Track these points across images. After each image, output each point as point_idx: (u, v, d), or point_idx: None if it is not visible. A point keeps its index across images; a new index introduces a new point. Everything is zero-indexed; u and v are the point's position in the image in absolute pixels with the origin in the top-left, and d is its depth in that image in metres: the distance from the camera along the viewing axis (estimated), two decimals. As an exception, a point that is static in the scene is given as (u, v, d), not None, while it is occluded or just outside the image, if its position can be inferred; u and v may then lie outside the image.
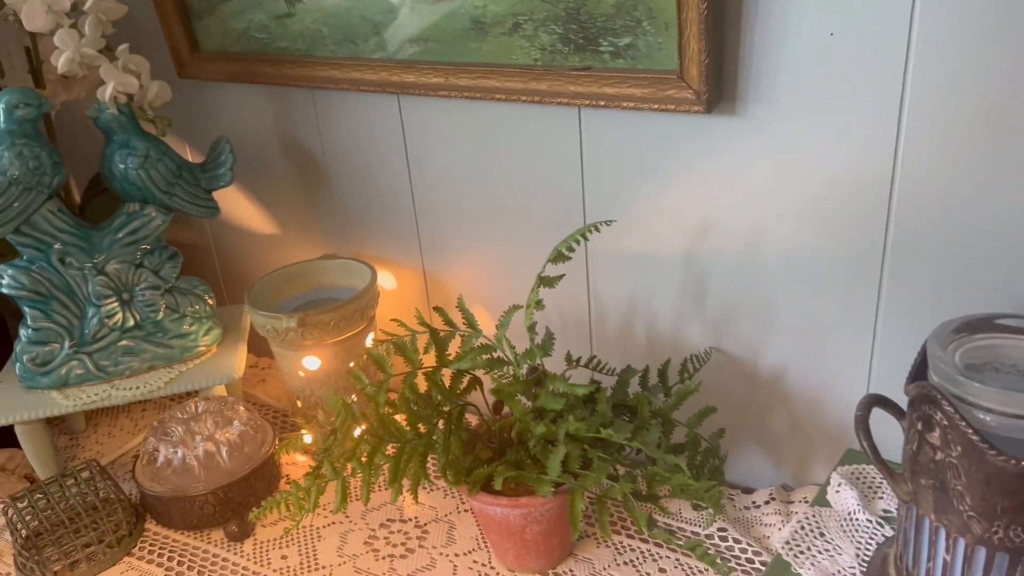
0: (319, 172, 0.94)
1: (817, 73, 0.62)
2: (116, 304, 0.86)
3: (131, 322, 0.87)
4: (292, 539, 0.80)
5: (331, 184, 0.94)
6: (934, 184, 0.62)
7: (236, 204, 1.04)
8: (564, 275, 0.68)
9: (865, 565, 0.63)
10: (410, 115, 0.84)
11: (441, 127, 0.83)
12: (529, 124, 0.77)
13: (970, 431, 0.48)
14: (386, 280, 0.96)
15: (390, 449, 0.64)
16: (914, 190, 0.63)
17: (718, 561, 0.61)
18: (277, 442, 0.84)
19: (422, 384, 0.70)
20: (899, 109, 0.61)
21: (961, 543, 0.52)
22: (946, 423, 0.49)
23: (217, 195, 0.89)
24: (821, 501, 0.69)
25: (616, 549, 0.75)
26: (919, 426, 0.53)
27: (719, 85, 0.66)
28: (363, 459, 0.61)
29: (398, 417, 0.65)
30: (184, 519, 0.80)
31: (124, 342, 0.87)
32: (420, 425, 0.64)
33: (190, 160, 0.93)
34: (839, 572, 0.62)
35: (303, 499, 0.65)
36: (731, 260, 0.73)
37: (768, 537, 0.73)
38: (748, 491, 0.80)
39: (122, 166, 0.84)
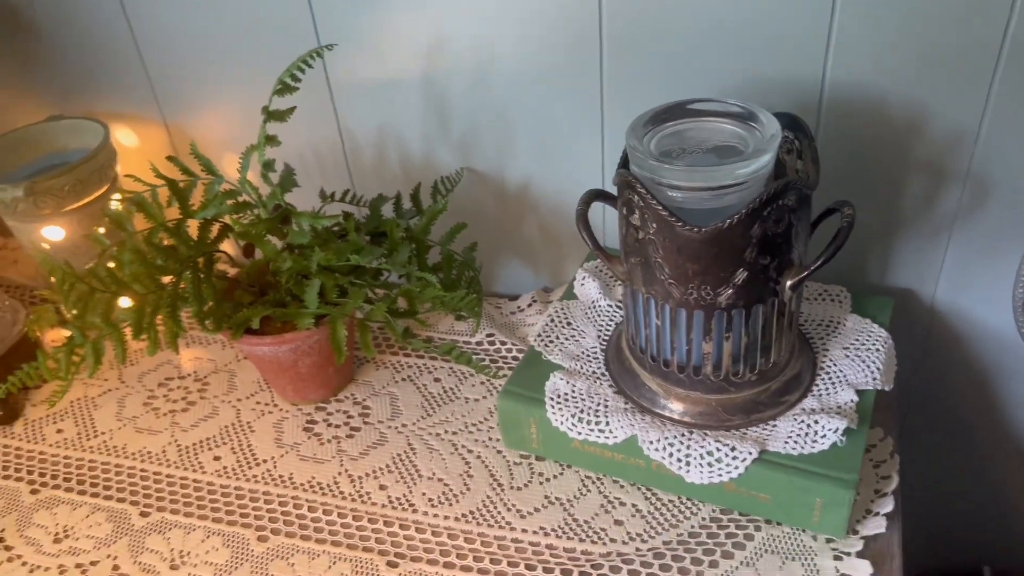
0: (26, 26, 0.85)
1: None
2: None
3: None
4: (67, 412, 0.78)
5: (41, 36, 0.85)
6: (637, -17, 0.64)
7: (-63, 70, 0.92)
8: (295, 107, 0.67)
9: (605, 343, 0.70)
10: (113, -51, 0.76)
11: (150, -39, 0.76)
12: (244, -50, 0.72)
13: (660, 208, 0.54)
14: (126, 137, 0.90)
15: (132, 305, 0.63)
16: (620, -9, 0.65)
17: (473, 359, 0.66)
18: (30, 316, 0.80)
19: (169, 240, 0.68)
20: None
21: (666, 308, 0.59)
22: (642, 204, 0.55)
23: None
24: (569, 295, 0.76)
25: (393, 368, 0.79)
26: (624, 211, 0.58)
27: None
28: (100, 319, 0.60)
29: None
30: (-61, 412, 0.76)
31: None
32: (164, 278, 0.63)
33: None
34: (583, 353, 0.69)
35: (56, 368, 0.63)
36: (465, 79, 0.74)
37: (529, 336, 0.80)
38: (514, 298, 0.86)
39: None
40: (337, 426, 0.74)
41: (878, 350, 0.65)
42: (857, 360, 0.65)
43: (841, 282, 0.72)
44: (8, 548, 0.66)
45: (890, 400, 0.68)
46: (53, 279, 0.60)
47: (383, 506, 0.66)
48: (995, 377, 0.77)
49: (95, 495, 0.70)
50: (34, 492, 0.71)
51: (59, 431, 0.76)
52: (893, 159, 0.67)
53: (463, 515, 0.65)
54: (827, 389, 0.63)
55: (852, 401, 0.62)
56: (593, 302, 0.74)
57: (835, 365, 0.65)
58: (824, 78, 0.65)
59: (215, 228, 0.70)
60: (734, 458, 0.59)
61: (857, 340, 0.67)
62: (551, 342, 0.71)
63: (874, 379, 0.63)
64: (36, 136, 0.86)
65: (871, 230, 0.72)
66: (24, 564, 0.65)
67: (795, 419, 0.61)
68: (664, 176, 0.54)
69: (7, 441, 0.76)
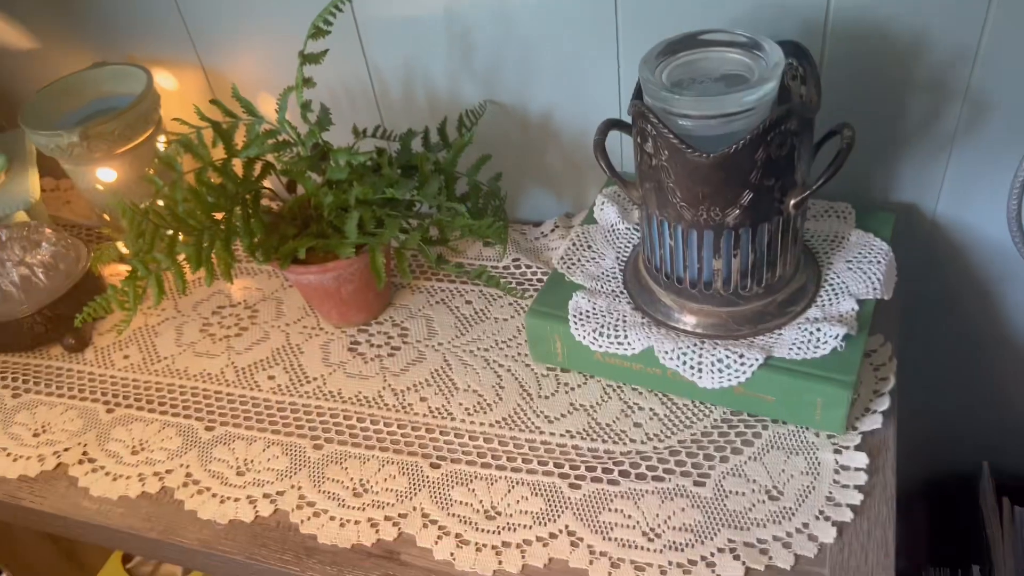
0: (65, -25, 0.89)
1: None
2: None
3: (-99, 164, 0.84)
4: (131, 340, 0.85)
5: (82, -13, 0.89)
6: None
7: (-17, 22, 0.97)
8: (328, 50, 0.71)
9: (623, 264, 0.75)
10: (145, -100, 0.80)
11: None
12: None
13: (671, 136, 0.58)
14: (166, 81, 0.95)
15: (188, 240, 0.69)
16: (632, -75, 0.68)
17: (501, 281, 0.72)
18: (93, 254, 0.86)
19: (217, 179, 0.73)
20: None
21: (679, 229, 0.64)
22: (655, 133, 0.59)
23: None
24: (589, 220, 0.80)
25: (428, 293, 0.85)
26: (638, 139, 0.62)
27: None
28: (163, 253, 0.66)
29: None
30: (18, 342, 0.84)
31: (-100, 186, 0.84)
32: (216, 214, 0.69)
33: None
34: (603, 273, 0.75)
35: (124, 300, 0.70)
36: (486, 11, 0.77)
37: (552, 259, 0.85)
38: (537, 224, 0.91)
39: None
40: (379, 346, 0.80)
41: (879, 262, 0.70)
42: (859, 272, 0.70)
43: (847, 199, 0.76)
44: (92, 460, 0.74)
45: (893, 308, 0.72)
46: (120, 219, 0.66)
47: (424, 415, 0.73)
48: (994, 284, 0.81)
49: (163, 412, 0.78)
50: (109, 411, 0.79)
51: (126, 356, 0.84)
52: (895, 79, 0.70)
53: (496, 422, 0.71)
54: (830, 299, 0.68)
55: (853, 310, 0.67)
56: (612, 226, 0.79)
57: (838, 277, 0.70)
58: (828, 3, 0.68)
59: (258, 166, 0.76)
60: (742, 364, 0.64)
61: (860, 253, 0.71)
62: (573, 264, 0.76)
63: (874, 289, 0.68)
64: (82, 83, 0.92)
65: (875, 148, 0.75)
66: (107, 474, 0.73)
67: (799, 327, 0.66)
68: (674, 106, 0.58)
69: (80, 367, 0.84)
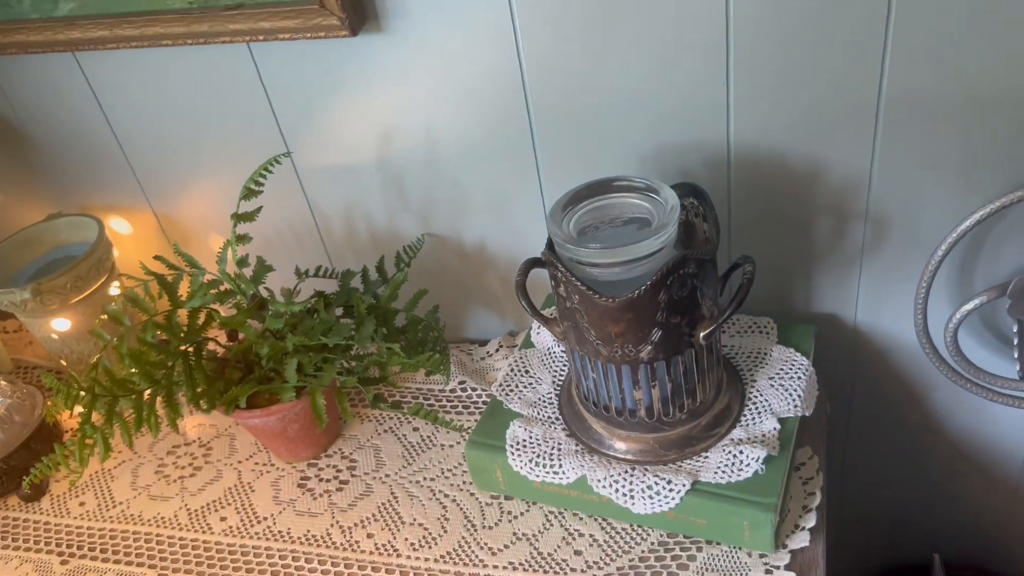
0: (20, 137, 0.93)
1: (438, -13, 0.70)
2: None
3: None
4: (87, 486, 0.87)
5: (37, 146, 0.94)
6: (554, 65, 0.72)
7: (-56, 179, 1.01)
8: (260, 207, 0.75)
9: (559, 389, 0.78)
10: (92, 70, 0.85)
11: (125, 76, 0.84)
12: (208, 63, 0.80)
13: (580, 284, 0.61)
14: (120, 226, 0.98)
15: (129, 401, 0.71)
16: (539, 73, 0.72)
17: (439, 416, 0.74)
18: (48, 404, 0.89)
19: (162, 335, 0.76)
20: (509, 9, 0.69)
21: (598, 363, 0.66)
22: (564, 279, 0.62)
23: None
24: (527, 343, 0.83)
25: (376, 421, 0.87)
26: (552, 283, 0.66)
27: (359, 9, 0.72)
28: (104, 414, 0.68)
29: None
30: (-26, 496, 0.85)
31: None
32: (156, 371, 0.72)
33: None
34: (540, 399, 0.77)
35: (70, 458, 0.72)
36: (418, 157, 0.82)
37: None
38: (483, 343, 0.94)
39: None
40: (328, 480, 0.82)
41: (800, 378, 0.73)
42: (781, 389, 0.72)
43: (770, 314, 0.79)
44: (45, 616, 0.75)
45: (820, 419, 0.75)
46: (54, 395, 0.68)
47: (370, 553, 0.74)
48: (919, 387, 0.84)
49: (117, 561, 0.79)
50: (63, 563, 0.80)
51: (81, 504, 0.85)
52: (800, 204, 0.74)
53: (441, 556, 0.73)
54: (753, 419, 0.71)
55: (775, 429, 0.69)
56: (548, 349, 0.82)
57: (761, 395, 0.72)
58: (729, 139, 0.72)
59: (202, 315, 0.79)
60: (671, 490, 0.67)
61: (782, 370, 0.74)
62: (511, 391, 0.79)
63: (795, 406, 0.70)
64: (39, 234, 0.95)
65: (791, 266, 0.79)
66: (60, 629, 0.74)
67: (724, 450, 0.68)
68: (581, 256, 0.62)
69: (36, 517, 0.85)
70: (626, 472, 0.69)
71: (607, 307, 0.61)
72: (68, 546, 0.81)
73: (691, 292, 0.62)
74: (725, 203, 0.76)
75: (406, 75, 0.76)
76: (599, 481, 0.69)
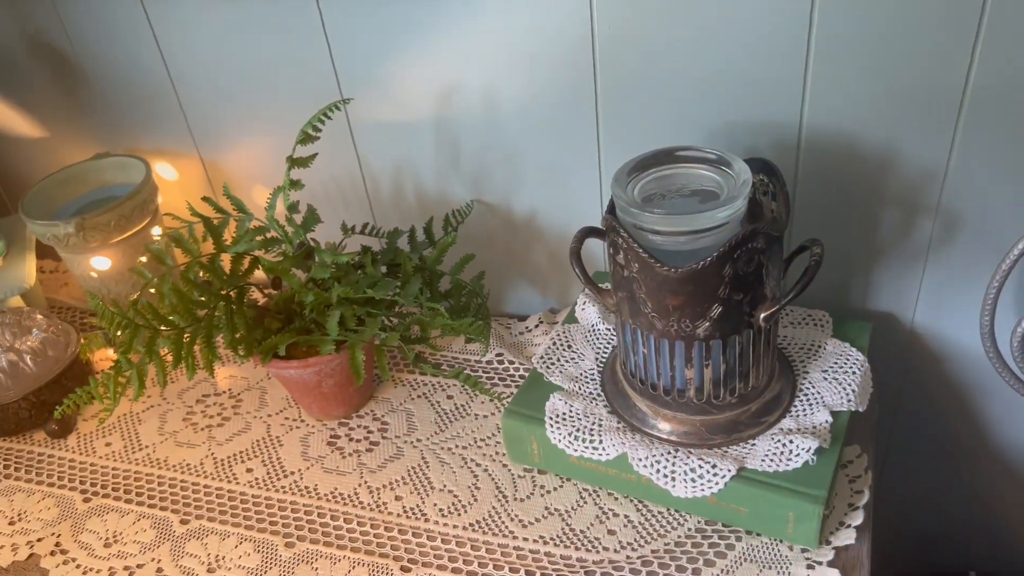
0: (75, 72, 0.93)
1: (515, -59, 0.68)
2: None
3: (-98, 249, 0.86)
4: (114, 427, 0.86)
5: (90, 83, 0.93)
6: (626, 33, 0.70)
7: (-5, 111, 1.01)
8: (316, 154, 0.74)
9: (602, 365, 0.76)
10: (154, 8, 0.84)
11: (187, 16, 0.83)
12: (272, 8, 0.79)
13: (641, 250, 0.59)
14: (166, 171, 0.98)
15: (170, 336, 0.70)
16: (610, 41, 0.71)
17: (478, 382, 0.72)
18: (82, 341, 0.88)
19: (205, 275, 0.75)
20: (588, -30, 0.68)
21: (651, 338, 0.64)
22: (625, 246, 0.61)
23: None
24: (571, 319, 0.81)
25: (410, 386, 0.86)
26: (611, 250, 0.64)
27: (432, -42, 0.70)
28: (143, 349, 0.67)
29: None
30: (1, 427, 0.84)
31: (-100, 269, 0.86)
32: (198, 311, 0.70)
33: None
34: (581, 374, 0.75)
35: (104, 393, 0.71)
36: (475, 119, 0.80)
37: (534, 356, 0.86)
38: (522, 318, 0.92)
39: None
40: (358, 440, 0.81)
41: (854, 373, 0.70)
42: (834, 382, 0.70)
43: (824, 307, 0.76)
44: (64, 552, 0.74)
45: (870, 418, 0.72)
46: (99, 318, 0.67)
47: (398, 515, 0.73)
48: (974, 394, 0.81)
49: (140, 503, 0.78)
50: (86, 500, 0.79)
51: (108, 444, 0.84)
52: (868, 194, 0.72)
53: (470, 524, 0.71)
54: (804, 410, 0.68)
55: (827, 422, 0.67)
56: (592, 326, 0.80)
57: (813, 387, 0.70)
58: (802, 121, 0.70)
59: (246, 261, 0.77)
60: (715, 474, 0.64)
61: (835, 363, 0.72)
62: (552, 364, 0.77)
63: (849, 401, 0.68)
64: (85, 173, 0.95)
65: (851, 258, 0.76)
66: (78, 567, 0.73)
67: (772, 438, 0.66)
68: (644, 221, 0.60)
69: (62, 454, 0.84)
70: (669, 453, 0.66)
71: (668, 277, 0.59)
72: (92, 484, 0.80)
73: (757, 269, 0.60)
74: (790, 186, 0.73)
75: (473, 32, 0.74)
76: (640, 460, 0.67)
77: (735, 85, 0.69)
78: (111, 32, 0.87)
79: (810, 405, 0.69)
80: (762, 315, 0.62)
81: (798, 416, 0.68)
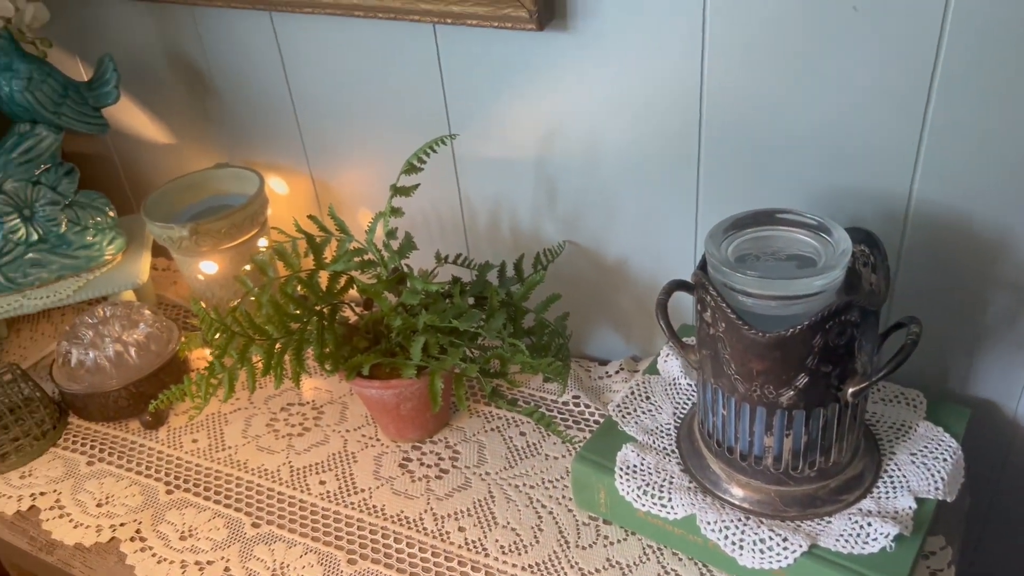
0: (206, 85, 0.99)
1: (633, -7, 0.69)
2: (18, 220, 0.91)
3: (35, 236, 0.93)
4: (202, 424, 0.90)
5: (219, 96, 0.99)
6: (736, 88, 0.69)
7: (133, 117, 1.08)
8: (419, 185, 0.76)
9: (679, 420, 0.75)
10: (283, 30, 0.89)
11: (312, 42, 0.88)
12: (391, 38, 0.83)
13: (729, 311, 0.59)
14: (278, 185, 1.02)
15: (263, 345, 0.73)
16: (720, 94, 0.70)
17: (552, 423, 0.72)
18: (182, 339, 0.92)
19: (302, 289, 0.78)
20: (702, 24, 0.68)
21: (732, 400, 0.63)
22: (713, 304, 0.60)
23: (114, 109, 0.93)
24: (652, 369, 0.81)
25: (485, 418, 0.86)
26: (698, 307, 0.63)
27: (549, 4, 0.72)
28: (237, 355, 0.70)
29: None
30: (102, 413, 0.89)
31: (31, 255, 0.93)
32: (292, 324, 0.73)
33: (82, 78, 0.96)
34: (657, 427, 0.74)
35: (196, 392, 0.74)
36: (576, 162, 0.81)
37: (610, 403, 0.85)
38: (604, 363, 0.91)
39: (7, 89, 0.87)
40: (428, 466, 0.82)
41: (945, 460, 0.67)
42: (923, 468, 0.67)
43: (919, 387, 0.73)
44: (143, 539, 0.78)
45: (958, 510, 0.69)
46: (199, 323, 0.71)
47: (459, 546, 0.73)
48: (1079, 498, 0.76)
49: (217, 502, 0.81)
50: (169, 492, 0.82)
51: (194, 440, 0.88)
52: (977, 275, 0.69)
53: (529, 565, 0.71)
54: (887, 492, 0.65)
55: (910, 508, 0.64)
56: (674, 379, 0.79)
57: (899, 470, 0.67)
58: (911, 194, 0.68)
59: (342, 280, 0.80)
60: (785, 548, 0.62)
61: (926, 447, 0.68)
62: (628, 414, 0.76)
63: (937, 488, 0.65)
64: (204, 180, 1.00)
65: (952, 340, 0.73)
66: (153, 555, 0.76)
67: (850, 518, 0.63)
68: (736, 282, 0.59)
69: (152, 444, 0.88)
70: (739, 520, 0.65)
71: (755, 340, 0.58)
72: (175, 477, 0.84)
73: (848, 342, 0.58)
74: (894, 259, 0.71)
75: (582, 78, 0.75)
76: (709, 524, 0.65)
77: (843, 149, 0.68)
78: (242, 51, 0.93)
79: (894, 488, 0.66)
80: (850, 390, 0.60)
81: (880, 498, 0.65)
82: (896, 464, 0.68)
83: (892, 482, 0.66)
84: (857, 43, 0.63)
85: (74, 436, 0.90)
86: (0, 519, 0.82)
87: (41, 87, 0.88)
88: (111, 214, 0.96)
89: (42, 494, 0.84)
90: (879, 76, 0.64)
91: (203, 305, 0.71)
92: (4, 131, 0.91)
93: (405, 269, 0.78)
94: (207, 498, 0.81)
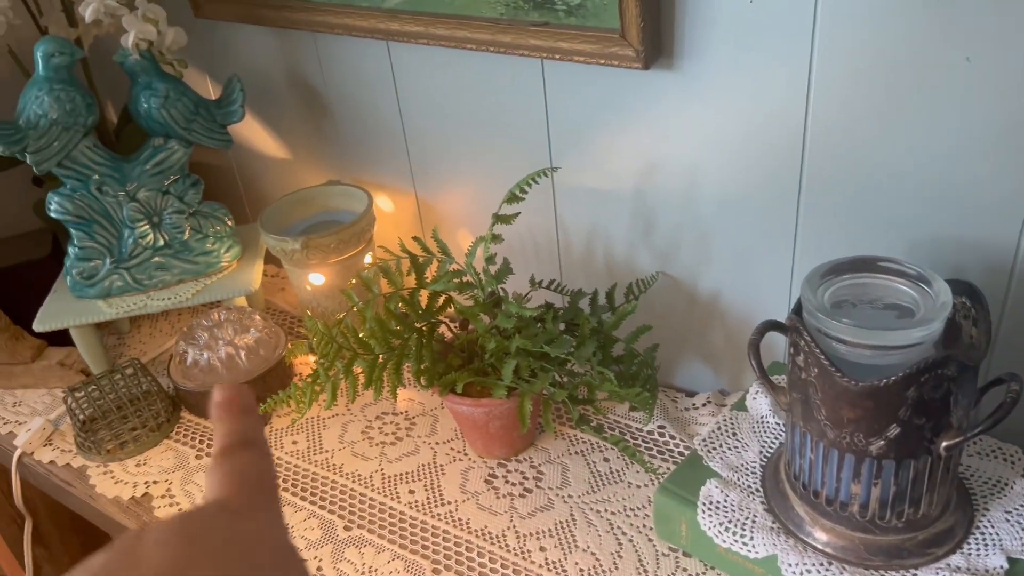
0: (322, 106, 1.05)
1: (739, 33, 0.70)
2: (147, 226, 0.99)
3: (161, 242, 1.00)
4: (301, 427, 0.95)
5: (334, 117, 1.05)
6: (841, 131, 0.70)
7: (254, 133, 1.15)
8: (519, 213, 0.79)
9: (765, 459, 0.75)
10: (398, 59, 0.93)
11: (425, 71, 0.92)
12: (500, 71, 0.86)
13: (823, 357, 0.59)
14: (384, 204, 1.07)
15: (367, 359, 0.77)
16: (824, 136, 0.71)
17: (637, 453, 0.74)
18: (289, 346, 0.98)
19: (404, 307, 0.82)
20: (808, 67, 0.68)
21: (820, 445, 0.63)
22: (807, 349, 0.60)
23: (236, 125, 1.00)
24: (740, 406, 0.81)
25: (570, 441, 0.88)
26: (791, 350, 0.63)
27: (656, 44, 0.74)
28: (341, 366, 0.75)
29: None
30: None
31: (156, 259, 1.00)
32: (393, 340, 0.77)
33: (210, 97, 1.04)
34: (743, 465, 0.75)
35: (300, 398, 0.79)
36: (673, 196, 0.82)
37: (696, 436, 0.86)
38: (691, 394, 0.92)
39: (146, 106, 0.95)
40: (513, 484, 0.84)
41: (1043, 521, 0.65)
42: (1017, 526, 0.65)
43: (1018, 443, 0.71)
44: (244, 532, 0.83)
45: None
46: (311, 335, 0.75)
47: (540, 566, 0.75)
48: None
49: (312, 503, 0.85)
50: (269, 490, 0.87)
51: (294, 442, 0.93)
52: (1088, 333, 0.67)
53: (608, 590, 0.72)
54: (978, 550, 0.64)
55: (1002, 567, 0.62)
56: (762, 417, 0.79)
57: (993, 527, 0.66)
58: (1019, 245, 0.66)
59: (441, 299, 0.84)
60: (868, 598, 0.62)
61: (1022, 506, 0.67)
62: (714, 449, 0.77)
63: (1032, 550, 0.63)
64: (315, 196, 1.06)
65: (1058, 397, 0.71)
66: (254, 548, 0.81)
67: (937, 572, 0.63)
68: (831, 329, 0.59)
69: (255, 442, 0.94)
70: (821, 565, 0.65)
71: (847, 388, 0.58)
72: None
73: (944, 396, 0.58)
74: (997, 313, 0.70)
75: (685, 115, 0.77)
76: (790, 566, 0.65)
77: (948, 197, 0.67)
78: (359, 76, 0.98)
79: (985, 545, 0.64)
80: (944, 444, 0.60)
81: (970, 555, 0.64)
82: (989, 520, 0.66)
83: (984, 539, 0.65)
84: (967, 93, 0.63)
85: (185, 430, 0.97)
86: (116, 503, 0.89)
87: (176, 105, 0.95)
88: (229, 223, 1.03)
89: (155, 482, 0.90)
90: (988, 126, 0.63)
91: (315, 320, 0.76)
92: (139, 145, 0.99)
93: (501, 293, 0.81)
94: (304, 499, 0.86)
